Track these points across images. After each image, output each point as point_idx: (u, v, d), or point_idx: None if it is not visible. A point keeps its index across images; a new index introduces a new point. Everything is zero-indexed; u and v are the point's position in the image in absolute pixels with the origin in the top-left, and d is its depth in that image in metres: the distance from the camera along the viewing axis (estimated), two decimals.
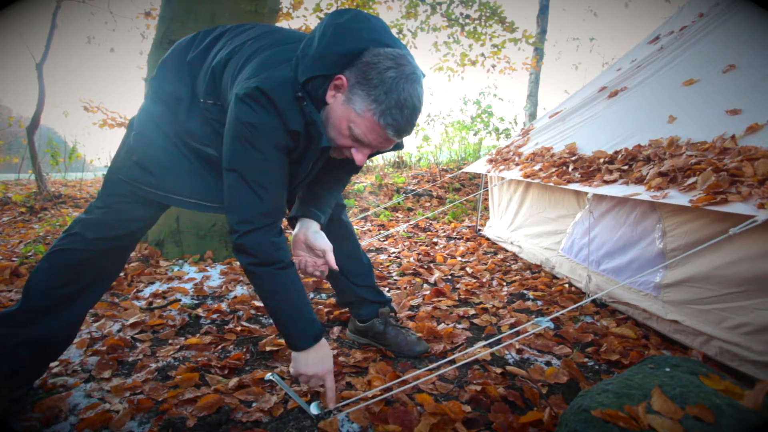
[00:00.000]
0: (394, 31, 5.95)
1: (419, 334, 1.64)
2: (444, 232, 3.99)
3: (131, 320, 1.75)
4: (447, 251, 3.20)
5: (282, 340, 1.60)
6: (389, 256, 3.06)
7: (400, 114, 0.96)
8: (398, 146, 1.22)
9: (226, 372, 1.42)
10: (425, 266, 2.72)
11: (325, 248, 1.20)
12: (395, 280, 2.47)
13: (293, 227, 1.26)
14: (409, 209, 5.07)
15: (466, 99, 8.49)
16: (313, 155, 1.09)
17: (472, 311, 1.98)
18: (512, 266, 2.76)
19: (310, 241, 1.20)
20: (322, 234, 1.23)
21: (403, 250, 3.25)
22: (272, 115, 0.99)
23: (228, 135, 1.02)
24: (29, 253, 2.70)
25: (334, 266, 1.22)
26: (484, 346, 1.56)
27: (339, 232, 1.50)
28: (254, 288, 1.13)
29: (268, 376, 1.25)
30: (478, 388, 1.31)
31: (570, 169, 2.29)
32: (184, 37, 1.26)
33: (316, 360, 1.11)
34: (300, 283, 1.13)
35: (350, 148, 1.04)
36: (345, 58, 0.99)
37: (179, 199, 1.19)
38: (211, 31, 1.23)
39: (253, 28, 1.19)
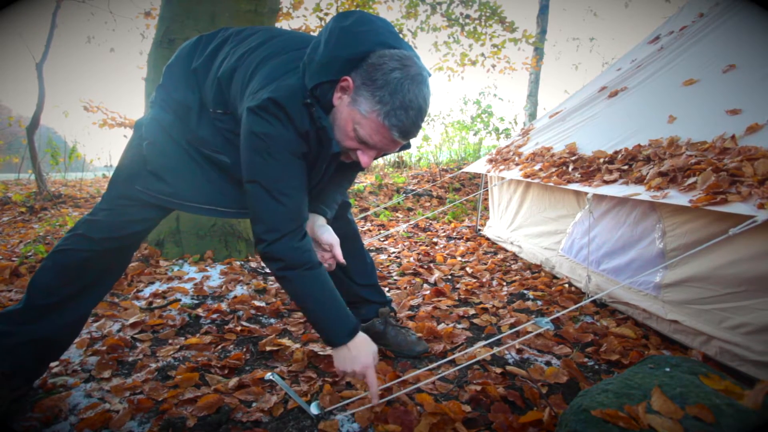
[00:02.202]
0: None
1: (419, 334, 1.64)
2: (444, 232, 3.99)
3: (131, 320, 1.75)
4: (447, 251, 3.20)
5: (282, 340, 1.60)
6: (389, 256, 3.06)
7: (405, 115, 0.96)
8: (405, 146, 1.22)
9: (226, 372, 1.42)
10: (425, 266, 2.72)
11: (332, 242, 1.21)
12: (395, 280, 2.47)
13: None
14: (409, 209, 5.07)
15: (466, 99, 8.51)
16: (325, 160, 1.10)
17: (472, 311, 1.98)
18: (512, 266, 2.76)
19: (317, 234, 1.21)
20: (329, 228, 1.23)
21: (403, 250, 3.25)
22: (285, 124, 1.00)
23: (244, 148, 1.03)
24: (29, 253, 2.70)
25: (341, 259, 1.21)
26: (484, 346, 1.56)
27: (344, 230, 1.49)
28: (288, 293, 1.12)
29: (268, 375, 1.25)
30: (478, 388, 1.31)
31: (570, 169, 2.29)
32: (187, 42, 1.26)
33: (354, 356, 1.10)
34: (330, 281, 1.12)
35: (356, 150, 1.04)
36: (351, 62, 0.99)
37: (195, 206, 1.19)
38: (213, 36, 1.23)
39: (256, 34, 1.18)
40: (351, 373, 1.11)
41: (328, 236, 1.21)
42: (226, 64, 1.12)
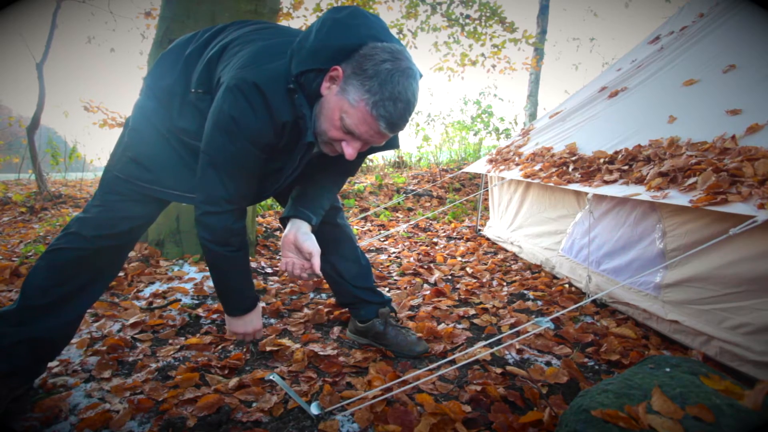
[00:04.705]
0: (394, 31, 5.94)
1: (419, 334, 1.64)
2: (444, 232, 3.99)
3: (131, 320, 1.75)
4: (447, 251, 3.20)
5: (282, 340, 1.60)
6: (389, 256, 3.06)
7: (393, 107, 0.95)
8: (393, 145, 1.21)
9: (226, 372, 1.42)
10: (425, 266, 2.72)
11: (312, 251, 1.18)
12: (395, 280, 2.47)
13: (285, 227, 1.25)
14: (410, 209, 5.07)
15: (466, 99, 8.51)
16: (301, 149, 1.08)
17: (472, 311, 1.98)
18: (512, 266, 2.76)
19: (299, 242, 1.18)
20: (312, 236, 1.20)
21: (403, 250, 3.25)
22: (257, 111, 0.99)
23: (210, 119, 1.04)
24: (29, 253, 2.70)
25: (318, 270, 1.19)
26: (484, 346, 1.56)
27: (335, 235, 1.49)
28: (206, 261, 1.22)
29: (269, 376, 1.25)
30: (478, 388, 1.31)
31: (570, 169, 2.29)
32: (184, 35, 1.27)
33: (243, 324, 1.27)
34: (247, 265, 1.22)
35: (341, 141, 1.03)
36: (341, 52, 0.99)
37: (176, 194, 1.20)
38: (211, 28, 1.24)
39: (253, 24, 1.20)
40: (242, 334, 1.28)
41: (310, 245, 1.18)
42: (218, 46, 1.13)
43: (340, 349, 1.58)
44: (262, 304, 1.96)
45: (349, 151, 1.03)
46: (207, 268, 1.24)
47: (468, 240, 3.62)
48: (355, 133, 1.00)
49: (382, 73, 0.94)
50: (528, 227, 2.95)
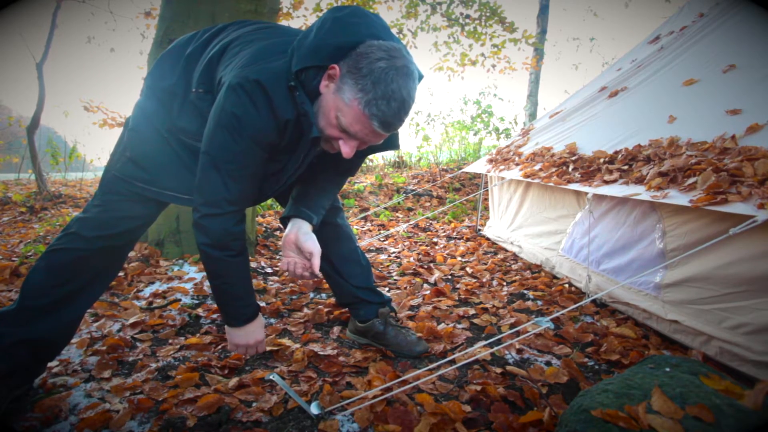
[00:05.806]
0: (393, 31, 5.93)
1: (419, 334, 1.64)
2: (444, 232, 3.99)
3: (131, 320, 1.75)
4: (447, 251, 3.20)
5: (282, 340, 1.60)
6: (389, 256, 3.06)
7: (387, 106, 0.94)
8: (392, 145, 1.20)
9: (226, 372, 1.42)
10: (425, 266, 2.72)
11: (313, 251, 1.17)
12: (395, 280, 2.47)
13: (285, 227, 1.25)
14: (409, 209, 5.07)
15: (466, 99, 8.51)
16: (305, 146, 1.09)
17: (472, 311, 1.98)
18: (512, 266, 2.76)
19: (300, 242, 1.18)
20: (313, 236, 1.21)
21: (403, 250, 3.25)
22: (260, 109, 0.99)
23: (212, 118, 1.03)
24: (29, 253, 2.70)
25: (317, 270, 1.19)
26: (484, 346, 1.56)
27: (335, 234, 1.49)
28: (205, 268, 1.17)
29: (269, 376, 1.26)
30: (478, 388, 1.31)
31: (570, 169, 2.29)
32: (184, 35, 1.27)
33: (245, 335, 1.22)
34: (247, 270, 1.19)
35: (338, 140, 1.03)
36: (340, 50, 0.99)
37: (173, 195, 1.20)
38: (211, 28, 1.24)
39: (256, 24, 1.21)
40: (243, 346, 1.23)
41: (311, 244, 1.18)
42: (219, 45, 1.13)
43: (340, 349, 1.58)
44: (262, 304, 1.96)
45: (346, 149, 1.03)
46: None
47: (468, 240, 3.62)
48: (350, 132, 0.99)
49: (375, 71, 0.93)
50: (528, 227, 2.95)
